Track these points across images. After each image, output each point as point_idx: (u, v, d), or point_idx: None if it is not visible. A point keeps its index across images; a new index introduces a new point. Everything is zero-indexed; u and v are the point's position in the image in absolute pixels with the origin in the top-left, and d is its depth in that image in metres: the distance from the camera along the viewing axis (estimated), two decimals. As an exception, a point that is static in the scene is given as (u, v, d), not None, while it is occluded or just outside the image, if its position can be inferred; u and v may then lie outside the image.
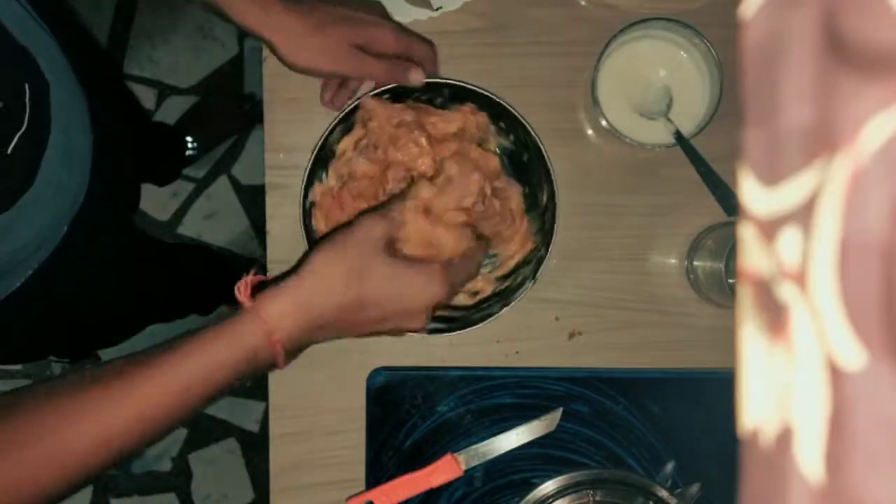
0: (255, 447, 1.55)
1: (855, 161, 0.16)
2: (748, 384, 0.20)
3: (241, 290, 0.53)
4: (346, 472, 0.72)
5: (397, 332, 0.59)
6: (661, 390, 0.72)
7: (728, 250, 0.67)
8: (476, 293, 0.70)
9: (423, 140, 0.67)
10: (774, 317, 0.19)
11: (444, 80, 0.66)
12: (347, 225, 0.58)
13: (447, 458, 0.69)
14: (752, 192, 0.20)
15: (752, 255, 0.20)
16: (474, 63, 0.73)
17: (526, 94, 0.71)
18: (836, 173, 0.17)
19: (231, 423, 1.55)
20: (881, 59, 0.16)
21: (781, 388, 0.18)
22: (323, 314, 0.54)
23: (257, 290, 0.54)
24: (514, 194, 0.69)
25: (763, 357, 0.19)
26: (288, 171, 0.72)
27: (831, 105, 0.17)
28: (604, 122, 0.68)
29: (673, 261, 0.74)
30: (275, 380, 0.72)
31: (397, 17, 0.71)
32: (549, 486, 0.68)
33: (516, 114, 0.66)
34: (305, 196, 0.66)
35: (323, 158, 0.67)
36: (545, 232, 0.68)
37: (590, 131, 0.74)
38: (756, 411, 0.19)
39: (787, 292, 0.18)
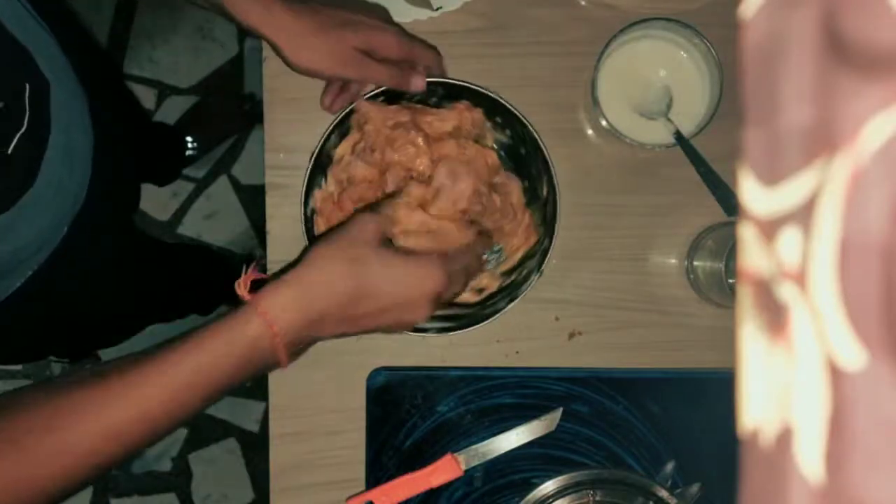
0: (255, 447, 1.55)
1: (855, 161, 0.16)
2: (748, 384, 0.20)
3: (241, 285, 0.53)
4: (346, 472, 0.72)
5: (400, 325, 0.58)
6: (661, 390, 0.72)
7: (728, 250, 0.67)
8: (482, 290, 0.70)
9: (420, 140, 0.67)
10: (774, 317, 0.19)
11: (437, 79, 0.67)
12: (342, 223, 0.58)
13: (447, 458, 0.69)
14: (752, 192, 0.20)
15: (752, 255, 0.20)
16: (474, 63, 0.73)
17: (526, 94, 0.71)
18: (836, 173, 0.17)
19: (231, 423, 1.55)
20: (881, 59, 0.16)
21: (781, 388, 0.18)
22: (322, 306, 0.53)
23: (257, 287, 0.54)
24: (515, 188, 0.69)
25: (763, 357, 0.19)
26: (288, 171, 0.72)
27: (831, 105, 0.17)
28: (604, 122, 0.68)
29: (673, 261, 0.74)
30: (275, 380, 0.72)
31: (397, 18, 0.71)
32: (549, 486, 0.68)
33: (511, 107, 0.66)
34: (306, 204, 0.66)
35: (321, 164, 0.67)
36: (547, 224, 0.68)
37: (590, 131, 0.74)
38: (756, 411, 0.19)
39: (787, 292, 0.18)
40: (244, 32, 1.51)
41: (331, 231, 0.58)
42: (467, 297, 0.69)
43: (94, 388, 0.49)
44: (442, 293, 0.57)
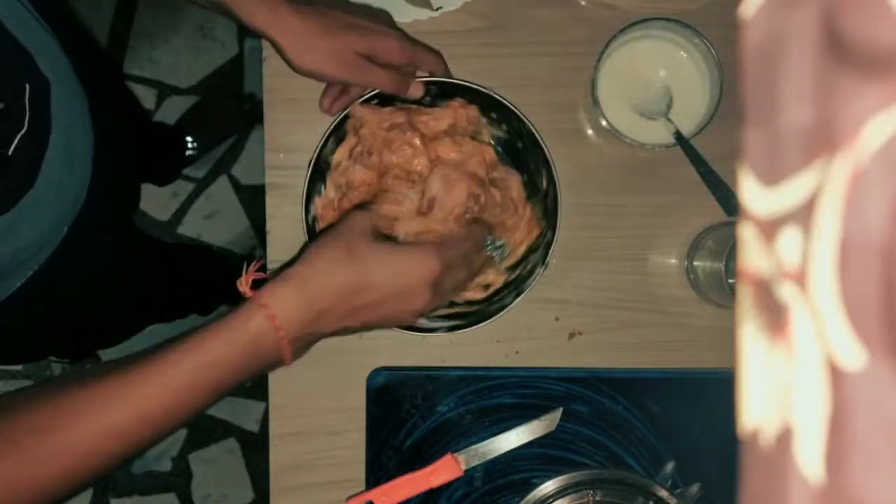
0: (255, 447, 1.55)
1: (855, 161, 0.16)
2: (748, 384, 0.20)
3: (243, 282, 0.54)
4: (346, 472, 0.72)
5: (401, 315, 0.58)
6: (661, 390, 0.72)
7: (728, 250, 0.67)
8: (488, 286, 0.70)
9: (417, 140, 0.67)
10: (774, 317, 0.19)
11: (429, 78, 0.67)
12: (336, 222, 0.59)
13: (447, 458, 0.69)
14: (752, 192, 0.20)
15: (752, 255, 0.20)
16: (474, 63, 0.73)
17: (526, 94, 0.71)
18: (836, 173, 0.17)
19: (231, 423, 1.55)
20: (881, 59, 0.16)
21: (781, 388, 0.18)
22: (323, 300, 0.54)
23: (257, 287, 0.54)
24: (514, 183, 0.69)
25: (763, 357, 0.19)
26: (288, 171, 0.72)
27: (831, 105, 0.17)
28: (604, 122, 0.68)
29: (673, 261, 0.74)
30: (275, 380, 0.72)
31: (397, 18, 0.71)
32: (549, 486, 0.68)
33: (505, 102, 0.66)
34: (307, 211, 0.66)
35: (320, 171, 0.67)
36: (549, 216, 0.68)
37: (590, 131, 0.74)
38: (756, 411, 0.19)
39: (787, 292, 0.18)
40: (245, 32, 1.51)
41: (326, 230, 0.59)
42: (473, 294, 0.69)
43: (94, 388, 0.49)
44: (439, 279, 0.57)
